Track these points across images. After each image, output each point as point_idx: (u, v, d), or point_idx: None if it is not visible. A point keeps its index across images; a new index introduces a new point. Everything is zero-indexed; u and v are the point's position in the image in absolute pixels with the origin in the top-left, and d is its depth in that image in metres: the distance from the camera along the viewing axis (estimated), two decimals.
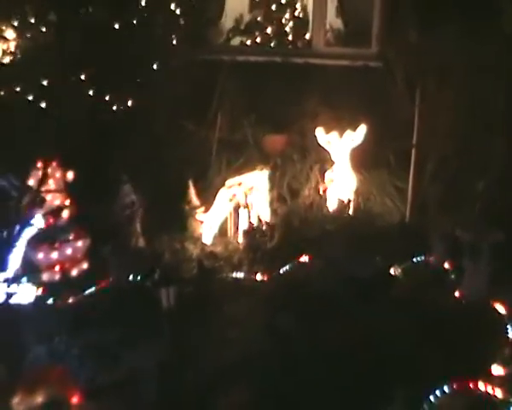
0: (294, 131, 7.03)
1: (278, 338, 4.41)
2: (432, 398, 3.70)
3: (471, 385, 3.83)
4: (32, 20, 5.51)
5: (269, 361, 4.14)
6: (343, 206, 6.21)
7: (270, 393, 3.86)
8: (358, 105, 6.57)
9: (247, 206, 6.05)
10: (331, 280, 5.06)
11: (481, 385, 3.83)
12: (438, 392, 3.74)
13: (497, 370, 4.03)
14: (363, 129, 6.32)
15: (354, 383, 3.90)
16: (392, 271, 5.31)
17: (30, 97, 5.49)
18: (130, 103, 5.88)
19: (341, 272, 5.10)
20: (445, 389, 3.77)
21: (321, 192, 6.30)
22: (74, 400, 3.56)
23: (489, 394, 3.78)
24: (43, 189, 5.10)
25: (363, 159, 6.58)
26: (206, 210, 6.14)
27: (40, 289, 4.88)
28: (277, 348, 4.31)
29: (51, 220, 5.15)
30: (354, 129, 6.32)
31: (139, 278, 5.05)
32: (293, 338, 4.40)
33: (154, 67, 6.04)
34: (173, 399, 3.85)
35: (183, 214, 6.17)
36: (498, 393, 3.77)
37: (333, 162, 6.48)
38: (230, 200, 6.09)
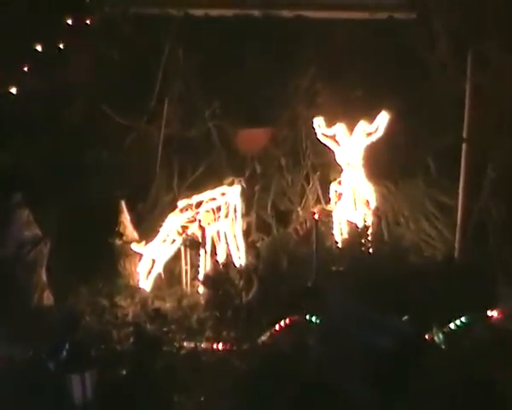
0: (281, 123, 6.90)
1: None
2: None
3: None
4: None
5: None
6: (357, 235, 6.02)
7: None
8: (377, 81, 6.44)
9: (204, 244, 5.94)
10: (337, 353, 4.89)
11: None
12: None
13: None
14: (384, 118, 6.19)
15: None
16: (431, 336, 5.13)
17: None
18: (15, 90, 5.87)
19: (353, 340, 4.88)
20: None
21: (316, 217, 6.13)
22: None
23: None
24: None
25: (386, 163, 6.45)
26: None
27: None
28: None
29: None
30: (371, 119, 6.15)
31: (45, 355, 4.93)
32: None
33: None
34: None
35: (113, 253, 6.03)
36: None
37: (340, 169, 6.26)
38: (183, 231, 5.88)
